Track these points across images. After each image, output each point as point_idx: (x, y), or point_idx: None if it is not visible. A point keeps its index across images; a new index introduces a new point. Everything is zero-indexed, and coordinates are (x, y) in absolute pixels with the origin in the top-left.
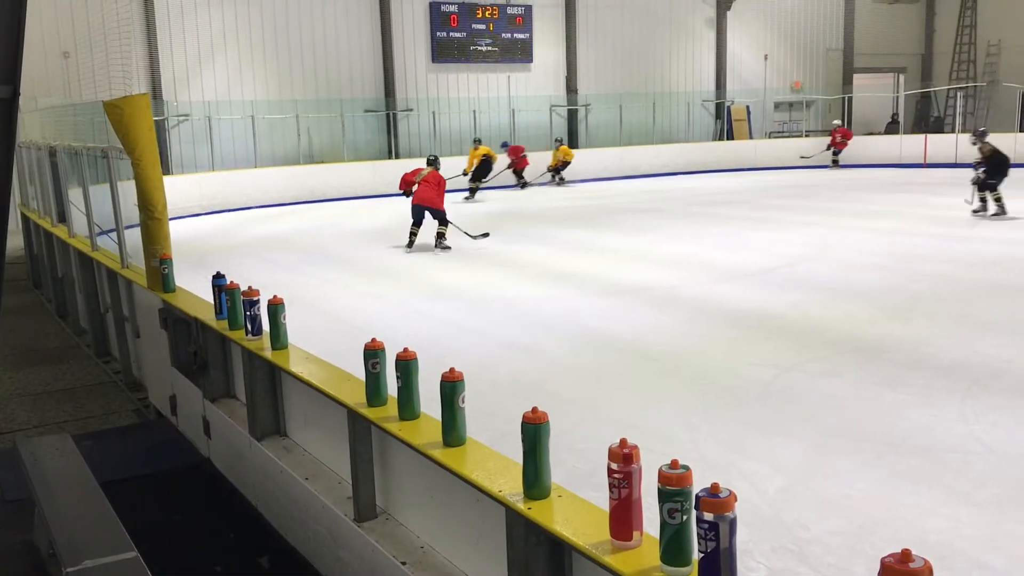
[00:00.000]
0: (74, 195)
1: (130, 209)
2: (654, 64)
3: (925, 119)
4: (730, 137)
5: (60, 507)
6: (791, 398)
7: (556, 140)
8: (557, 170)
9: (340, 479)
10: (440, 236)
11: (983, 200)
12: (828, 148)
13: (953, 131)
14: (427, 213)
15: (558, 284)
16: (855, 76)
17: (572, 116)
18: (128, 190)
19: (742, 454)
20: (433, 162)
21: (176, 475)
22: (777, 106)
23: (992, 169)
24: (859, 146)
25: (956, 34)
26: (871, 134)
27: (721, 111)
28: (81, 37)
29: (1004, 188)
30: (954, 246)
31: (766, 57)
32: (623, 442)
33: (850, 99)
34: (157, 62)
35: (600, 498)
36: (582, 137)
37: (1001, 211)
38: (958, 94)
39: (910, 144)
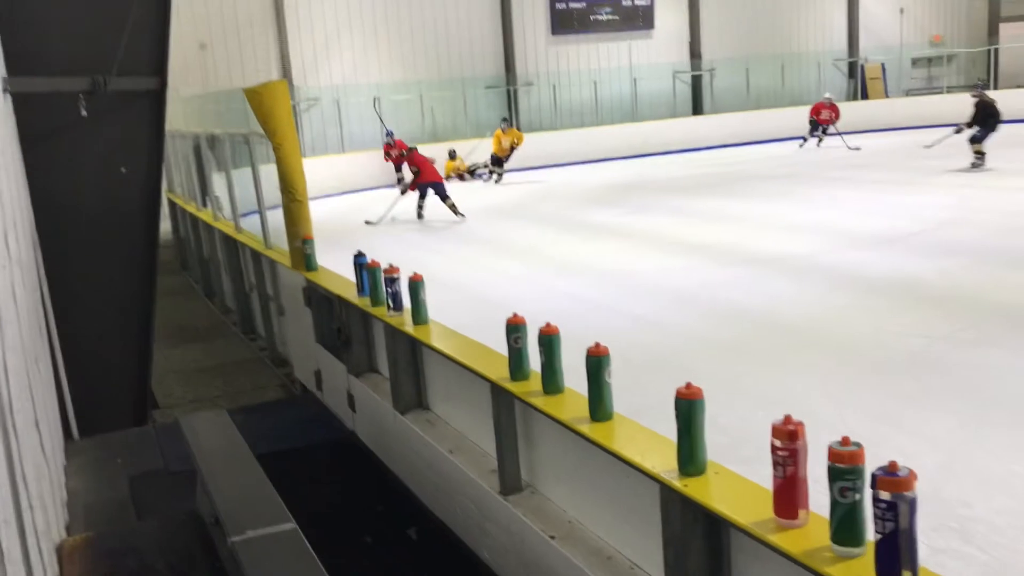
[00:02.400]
0: (216, 180)
1: (271, 192)
2: (781, 24)
3: None
4: (864, 96)
5: (221, 479)
6: (943, 369)
7: (503, 120)
8: (499, 160)
9: (484, 452)
10: (454, 207)
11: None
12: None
13: None
14: (431, 191)
15: (686, 255)
16: (1002, 26)
17: (696, 82)
18: (267, 174)
19: (894, 428)
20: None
21: (323, 448)
22: (915, 62)
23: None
24: (1009, 100)
25: None
26: (1020, 87)
27: (854, 70)
28: (216, 28)
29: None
30: None
31: (902, 11)
32: (787, 419)
33: (996, 51)
34: (287, 49)
35: (747, 472)
36: (707, 103)
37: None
38: None
39: None
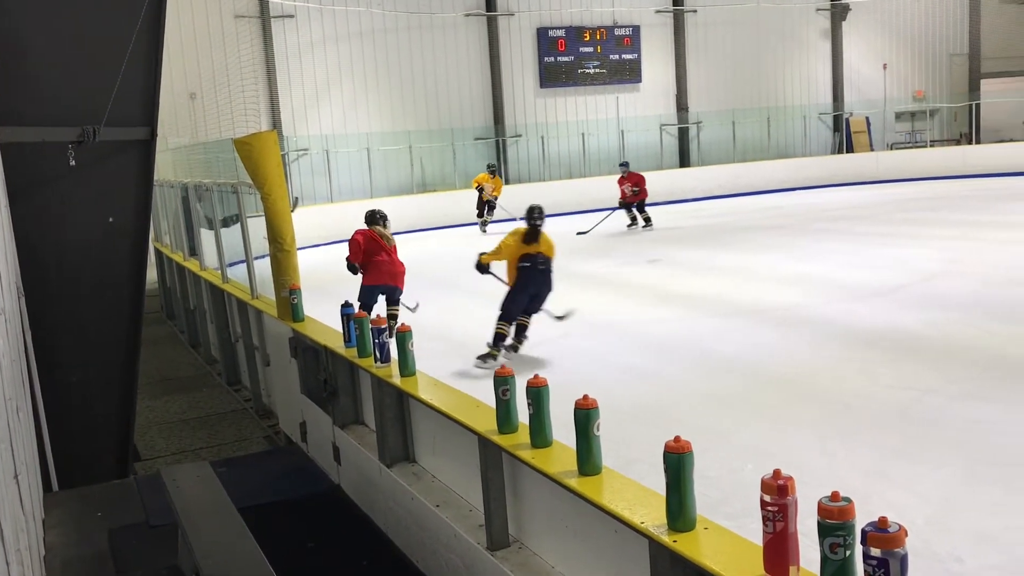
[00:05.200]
0: (203, 230)
1: (258, 241)
2: (767, 78)
3: None
4: (850, 150)
5: (202, 533)
6: (934, 423)
7: (489, 166)
8: (488, 205)
9: (471, 506)
10: (394, 318)
11: None
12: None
13: None
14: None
15: (676, 306)
16: (983, 81)
17: (683, 134)
18: (253, 224)
19: (885, 482)
20: (381, 218)
21: (308, 501)
22: (898, 116)
23: None
24: (990, 154)
25: None
26: (1002, 141)
27: (839, 123)
28: (206, 78)
29: None
30: None
31: (885, 66)
32: (777, 473)
33: (978, 106)
34: (277, 99)
35: (737, 527)
36: (694, 155)
37: None
38: None
39: None
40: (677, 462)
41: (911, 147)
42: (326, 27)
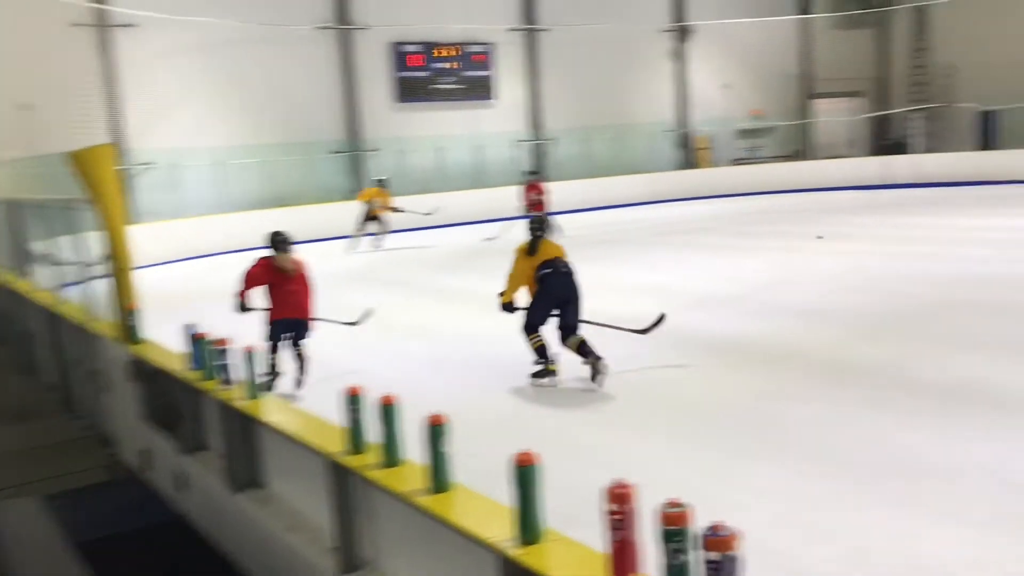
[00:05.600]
0: (38, 248)
1: (95, 260)
2: (618, 97)
3: (885, 141)
4: (695, 165)
5: (32, 573)
6: (772, 425)
7: (379, 180)
8: (377, 220)
9: (322, 529)
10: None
11: None
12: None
13: (913, 152)
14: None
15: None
16: (815, 101)
17: (539, 150)
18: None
19: (728, 484)
20: (282, 242)
21: (151, 532)
22: (739, 133)
23: None
24: (822, 169)
25: (910, 57)
26: (832, 157)
27: (684, 140)
28: (41, 88)
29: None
30: (921, 265)
31: (727, 86)
32: (619, 482)
33: (810, 124)
34: (120, 110)
35: (586, 537)
36: (549, 171)
37: None
38: (916, 115)
39: (870, 166)
40: (524, 474)
41: (751, 163)
42: (174, 38)
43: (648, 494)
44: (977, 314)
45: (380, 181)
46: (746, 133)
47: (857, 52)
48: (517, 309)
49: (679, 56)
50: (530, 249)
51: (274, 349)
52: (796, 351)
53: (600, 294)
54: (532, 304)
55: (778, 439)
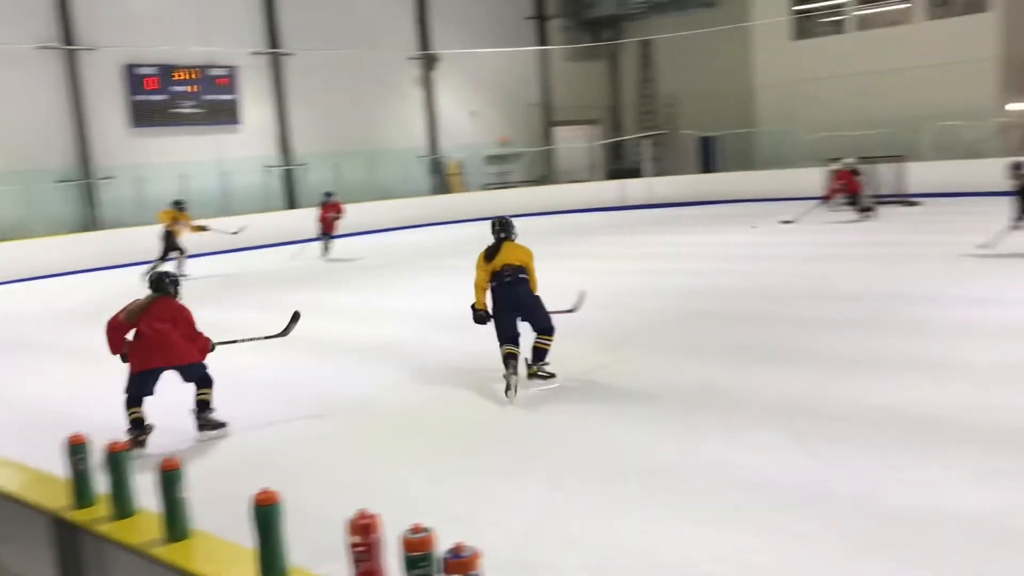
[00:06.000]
0: None
1: None
2: (369, 122)
3: (620, 165)
4: (447, 191)
5: None
6: (525, 439)
7: (175, 203)
8: (178, 248)
9: None
10: (204, 407)
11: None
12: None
13: (645, 175)
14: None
15: (276, 350)
16: (556, 128)
17: (288, 176)
18: None
19: (485, 502)
20: (161, 284)
21: None
22: (488, 159)
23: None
24: (565, 192)
25: (638, 88)
26: (574, 181)
27: (436, 166)
28: None
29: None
30: (656, 280)
31: (474, 113)
32: (362, 512)
33: (552, 150)
34: None
35: (334, 571)
36: (300, 197)
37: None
38: (645, 141)
39: (609, 189)
40: (265, 515)
41: (501, 187)
42: None
43: (404, 521)
44: (709, 323)
45: (178, 203)
46: (495, 159)
47: (592, 82)
48: (491, 318)
49: (427, 83)
50: (487, 256)
51: (136, 403)
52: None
53: (343, 322)
54: (494, 319)
55: (531, 454)
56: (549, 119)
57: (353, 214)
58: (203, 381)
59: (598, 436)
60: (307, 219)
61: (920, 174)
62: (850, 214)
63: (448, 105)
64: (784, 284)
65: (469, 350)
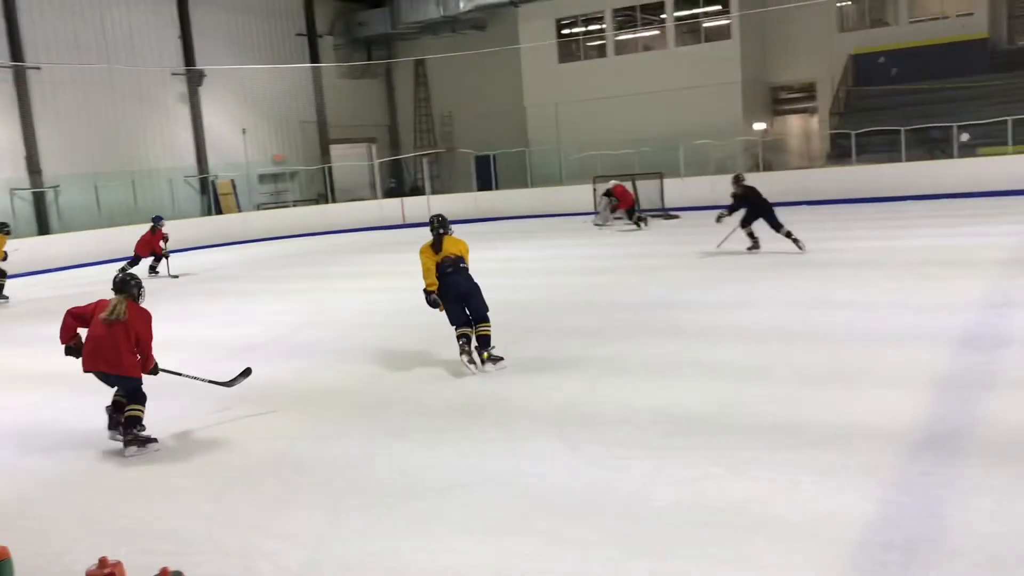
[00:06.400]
0: None
1: None
2: (130, 142)
3: (400, 183)
4: (219, 211)
5: None
6: (305, 467)
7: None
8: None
9: None
10: (133, 423)
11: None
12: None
13: (425, 193)
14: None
15: (36, 387)
16: (332, 147)
17: (39, 199)
18: None
19: (262, 534)
20: (125, 286)
21: None
22: (262, 178)
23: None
24: (344, 211)
25: (414, 106)
26: (354, 200)
27: (206, 186)
28: None
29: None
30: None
31: (244, 131)
32: (103, 561)
33: (330, 169)
34: None
35: None
36: (54, 221)
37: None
38: (423, 160)
39: (389, 207)
40: None
41: (277, 207)
42: None
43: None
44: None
45: (3, 225)
46: (269, 178)
47: (368, 101)
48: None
49: (193, 100)
50: (433, 247)
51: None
52: (328, 390)
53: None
54: (445, 306)
55: (313, 481)
56: (325, 137)
57: (113, 238)
58: (133, 396)
59: (381, 456)
60: (61, 245)
61: (677, 189)
62: (628, 225)
63: (217, 123)
64: (558, 297)
65: (253, 375)
